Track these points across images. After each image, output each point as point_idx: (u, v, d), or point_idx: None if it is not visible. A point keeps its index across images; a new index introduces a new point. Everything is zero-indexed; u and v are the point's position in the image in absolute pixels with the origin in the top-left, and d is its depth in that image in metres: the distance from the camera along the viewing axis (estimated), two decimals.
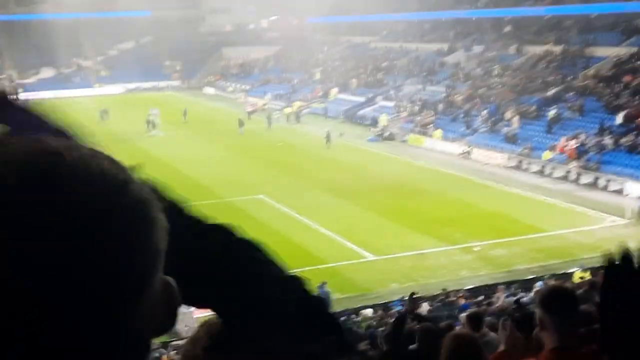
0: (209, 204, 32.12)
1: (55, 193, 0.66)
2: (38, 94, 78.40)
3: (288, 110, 61.02)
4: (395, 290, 21.88)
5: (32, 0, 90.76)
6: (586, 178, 35.83)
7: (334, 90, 65.03)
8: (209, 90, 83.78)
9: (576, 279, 20.28)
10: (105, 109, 58.47)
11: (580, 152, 37.58)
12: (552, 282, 18.78)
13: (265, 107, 63.76)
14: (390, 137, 49.77)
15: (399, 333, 8.49)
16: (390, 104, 56.64)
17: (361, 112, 57.86)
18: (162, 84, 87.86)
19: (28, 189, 0.65)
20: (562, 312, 3.26)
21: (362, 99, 60.66)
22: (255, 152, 44.62)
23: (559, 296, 3.40)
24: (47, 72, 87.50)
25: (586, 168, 36.36)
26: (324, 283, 20.59)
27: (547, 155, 38.87)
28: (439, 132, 47.10)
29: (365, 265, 24.98)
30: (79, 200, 0.66)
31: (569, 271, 22.21)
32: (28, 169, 0.66)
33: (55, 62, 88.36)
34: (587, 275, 20.32)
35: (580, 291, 10.25)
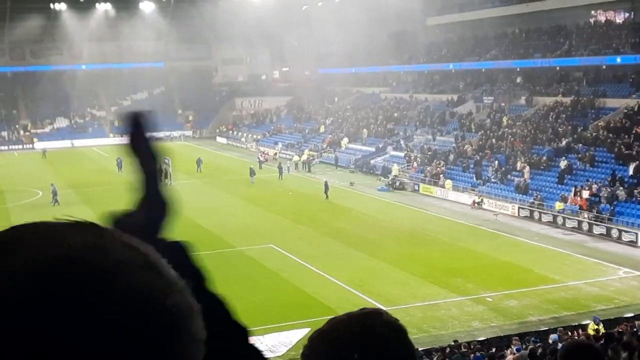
0: (220, 252, 32.08)
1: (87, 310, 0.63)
2: (53, 143, 79.37)
3: (297, 158, 61.36)
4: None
5: (47, 51, 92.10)
6: (599, 229, 35.60)
7: (345, 140, 65.28)
8: (221, 139, 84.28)
9: (590, 331, 20.00)
10: (120, 158, 58.84)
11: (592, 203, 37.41)
12: (575, 337, 18.53)
13: (277, 156, 64.03)
14: (401, 187, 49.75)
15: None
16: (401, 153, 56.75)
17: (372, 161, 57.95)
18: (175, 133, 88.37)
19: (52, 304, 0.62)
20: None
21: (372, 149, 60.83)
22: (266, 201, 44.63)
23: (584, 352, 3.32)
24: (61, 122, 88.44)
25: (599, 219, 36.14)
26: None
27: (559, 205, 38.69)
28: (449, 182, 47.03)
29: None
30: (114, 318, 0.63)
31: (583, 323, 21.90)
32: (49, 280, 0.63)
33: (69, 112, 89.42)
34: (602, 328, 20.03)
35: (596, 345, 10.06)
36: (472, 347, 20.14)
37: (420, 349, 20.47)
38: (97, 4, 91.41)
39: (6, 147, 79.76)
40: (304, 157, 61.48)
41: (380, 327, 1.50)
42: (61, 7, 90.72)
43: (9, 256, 0.64)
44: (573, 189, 39.42)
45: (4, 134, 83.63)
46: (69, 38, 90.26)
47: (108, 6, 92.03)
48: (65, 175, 55.21)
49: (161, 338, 0.65)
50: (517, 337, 20.94)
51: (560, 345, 17.14)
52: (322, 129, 72.18)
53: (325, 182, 46.74)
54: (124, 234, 0.72)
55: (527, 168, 44.15)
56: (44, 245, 0.65)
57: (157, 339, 0.65)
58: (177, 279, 0.71)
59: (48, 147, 76.46)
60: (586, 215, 36.79)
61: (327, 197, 45.24)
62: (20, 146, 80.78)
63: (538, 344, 18.42)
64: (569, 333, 19.96)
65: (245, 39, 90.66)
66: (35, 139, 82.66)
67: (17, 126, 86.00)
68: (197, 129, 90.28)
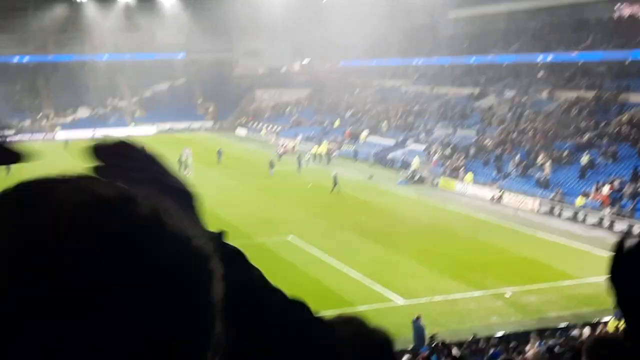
0: (239, 244, 32.07)
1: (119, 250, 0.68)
2: (74, 132, 79.93)
3: (316, 149, 61.33)
4: (425, 334, 21.55)
5: (69, 41, 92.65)
6: (620, 225, 35.32)
7: (365, 133, 65.17)
8: (241, 131, 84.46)
9: (611, 328, 19.83)
10: None
11: (614, 199, 37.11)
12: (596, 332, 18.40)
13: (296, 149, 64.04)
14: (420, 181, 49.61)
15: None
16: (421, 147, 56.55)
17: (391, 155, 57.82)
18: (195, 124, 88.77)
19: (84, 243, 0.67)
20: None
21: (392, 142, 60.68)
22: (285, 193, 44.66)
23: (607, 347, 3.26)
24: (83, 112, 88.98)
25: (620, 215, 35.86)
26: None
27: (580, 201, 38.42)
28: (469, 176, 46.85)
29: (394, 309, 24.67)
30: (143, 257, 0.69)
31: (603, 320, 21.73)
32: (83, 222, 0.69)
33: (91, 102, 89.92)
34: (622, 324, 19.88)
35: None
36: (490, 342, 20.09)
37: (443, 342, 20.45)
38: None
39: (29, 136, 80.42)
40: (322, 149, 61.42)
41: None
42: None
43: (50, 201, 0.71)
44: (595, 184, 39.14)
45: (27, 123, 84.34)
46: (91, 28, 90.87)
47: None
48: (86, 167, 55.59)
49: (191, 270, 0.72)
50: (536, 333, 20.87)
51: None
52: (336, 124, 71.93)
53: (335, 176, 45.64)
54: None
55: (548, 163, 43.89)
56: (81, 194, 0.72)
57: (189, 272, 0.72)
58: (194, 228, 0.76)
59: (69, 136, 77.03)
60: (607, 211, 36.51)
61: (332, 191, 44.56)
62: (42, 135, 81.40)
63: (557, 342, 18.34)
64: (588, 329, 19.84)
65: (266, 31, 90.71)
66: (57, 128, 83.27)
67: (39, 116, 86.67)
68: (217, 120, 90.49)
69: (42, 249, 0.66)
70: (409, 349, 20.60)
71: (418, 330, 21.52)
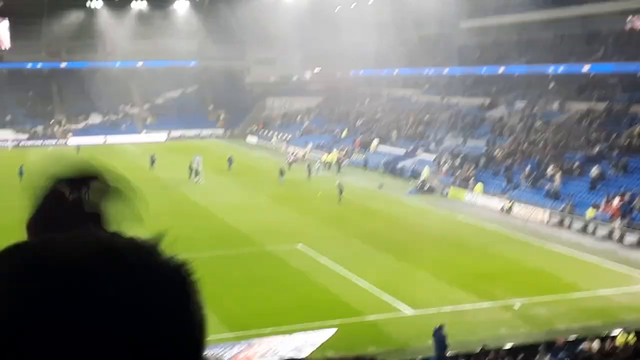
0: (248, 252, 32.17)
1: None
2: (86, 138, 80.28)
3: (326, 157, 61.42)
4: (432, 346, 21.43)
5: (82, 48, 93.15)
6: (631, 237, 35.12)
7: (375, 142, 65.14)
8: (252, 139, 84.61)
9: (620, 341, 19.70)
10: (153, 155, 59.56)
11: (625, 211, 36.92)
12: (607, 346, 18.28)
13: (306, 157, 64.08)
14: (430, 190, 49.49)
15: None
16: (431, 157, 56.47)
17: (401, 164, 57.77)
18: (206, 132, 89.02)
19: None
20: None
21: (402, 152, 60.64)
22: (295, 201, 44.64)
23: None
24: (95, 118, 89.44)
25: (631, 227, 35.66)
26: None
27: (591, 213, 38.22)
28: (479, 186, 46.73)
29: (402, 319, 24.60)
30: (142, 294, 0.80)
31: (613, 334, 21.57)
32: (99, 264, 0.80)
33: (103, 109, 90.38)
34: (632, 338, 19.72)
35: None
36: (499, 353, 19.96)
37: (447, 354, 20.35)
38: (132, 3, 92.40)
39: (40, 142, 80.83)
40: (332, 157, 61.45)
41: None
42: (97, 4, 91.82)
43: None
44: (605, 196, 38.95)
45: (39, 128, 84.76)
46: (104, 36, 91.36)
47: (143, 4, 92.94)
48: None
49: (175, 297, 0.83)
50: (545, 346, 20.73)
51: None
52: (347, 133, 71.87)
53: (339, 184, 45.86)
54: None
55: (559, 174, 43.72)
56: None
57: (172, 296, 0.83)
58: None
59: (81, 142, 77.31)
60: (618, 224, 36.32)
61: (339, 200, 44.58)
62: (54, 141, 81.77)
63: (566, 354, 18.20)
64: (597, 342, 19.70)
65: (278, 40, 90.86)
66: (69, 134, 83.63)
67: (51, 122, 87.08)
68: (228, 128, 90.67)
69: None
70: (490, 350, 20.42)
71: (439, 339, 21.33)
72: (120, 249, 0.84)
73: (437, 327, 21.55)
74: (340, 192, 45.14)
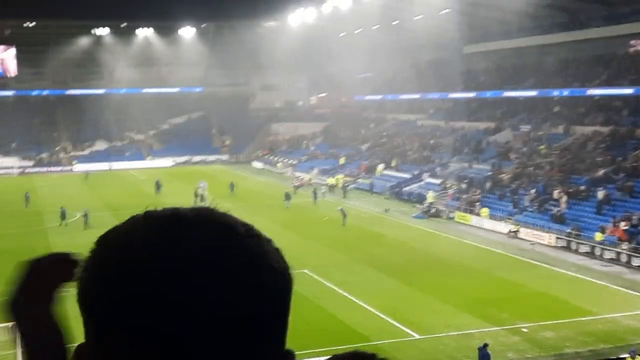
0: None
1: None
2: (91, 165, 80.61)
3: (331, 180, 61.61)
4: None
5: (88, 76, 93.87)
6: (638, 261, 35.01)
7: (381, 166, 65.28)
8: (257, 164, 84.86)
9: None
10: (159, 181, 59.81)
11: (632, 234, 36.86)
12: None
13: (312, 181, 64.20)
14: (436, 214, 49.50)
15: None
16: (437, 181, 56.55)
17: (407, 188, 57.83)
18: (211, 157, 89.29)
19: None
20: None
21: (408, 176, 60.71)
22: (301, 226, 44.64)
23: None
24: (100, 145, 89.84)
25: (638, 250, 35.56)
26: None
27: (598, 236, 38.13)
28: (485, 210, 46.72)
29: (409, 344, 24.54)
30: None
31: (621, 357, 21.49)
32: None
33: (108, 136, 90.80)
34: None
35: None
36: None
37: None
38: (137, 30, 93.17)
39: (45, 169, 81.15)
40: (338, 181, 61.56)
41: None
42: (102, 32, 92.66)
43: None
44: (612, 219, 38.90)
45: (45, 155, 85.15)
46: (110, 62, 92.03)
47: (149, 31, 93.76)
48: (104, 198, 55.95)
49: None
50: None
51: None
52: (341, 161, 71.94)
53: (342, 210, 46.44)
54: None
55: (565, 198, 43.70)
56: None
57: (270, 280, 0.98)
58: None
59: (86, 169, 77.66)
60: (625, 247, 36.24)
61: (343, 224, 44.92)
62: (60, 168, 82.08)
63: None
64: None
65: (283, 66, 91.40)
66: (74, 162, 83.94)
67: (57, 148, 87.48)
68: (233, 153, 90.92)
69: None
70: None
71: (484, 357, 21.39)
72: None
73: (482, 345, 21.67)
74: (344, 216, 45.30)
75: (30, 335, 1.00)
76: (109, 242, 0.89)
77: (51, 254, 1.05)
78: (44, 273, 1.02)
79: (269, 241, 1.01)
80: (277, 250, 1.02)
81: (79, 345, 0.89)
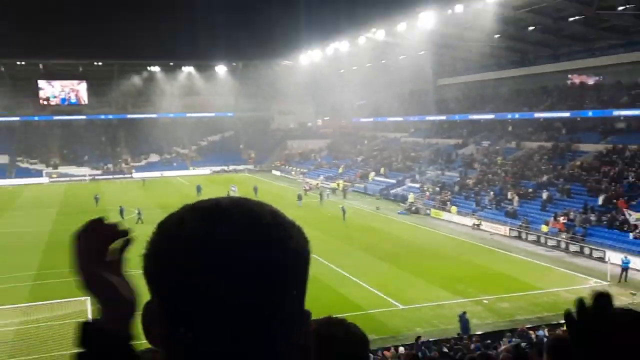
0: None
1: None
2: (146, 173, 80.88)
3: (334, 185, 61.80)
4: (419, 333, 21.45)
5: (143, 103, 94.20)
6: (574, 247, 35.06)
7: (372, 174, 65.32)
8: (276, 172, 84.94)
9: (566, 328, 19.59)
10: (199, 185, 59.99)
11: (569, 226, 36.88)
12: (557, 332, 18.22)
13: (319, 186, 64.29)
14: (416, 211, 49.55)
15: None
16: (416, 185, 56.57)
17: (393, 190, 57.86)
18: (240, 167, 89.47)
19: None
20: (565, 357, 3.16)
21: (394, 181, 60.75)
22: (310, 220, 44.71)
23: (565, 344, 3.30)
24: (153, 157, 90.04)
25: (574, 239, 35.60)
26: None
27: (543, 228, 38.19)
28: (454, 208, 46.75)
29: (395, 312, 24.63)
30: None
31: (561, 322, 21.52)
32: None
33: (160, 150, 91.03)
34: None
35: None
36: (472, 339, 19.96)
37: (430, 340, 20.33)
38: (182, 67, 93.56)
39: (110, 177, 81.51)
40: (339, 186, 61.65)
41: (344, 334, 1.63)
42: (155, 69, 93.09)
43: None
44: (553, 214, 38.93)
45: (110, 165, 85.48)
46: (160, 93, 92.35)
47: (191, 69, 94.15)
48: (156, 199, 56.18)
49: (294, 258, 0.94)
50: (509, 333, 20.72)
51: (545, 340, 16.94)
52: (341, 170, 71.91)
53: (342, 207, 46.62)
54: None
55: (516, 198, 43.72)
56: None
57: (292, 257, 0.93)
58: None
59: (143, 176, 77.94)
60: (564, 236, 36.26)
61: (344, 219, 44.95)
62: (122, 176, 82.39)
63: (524, 340, 18.17)
64: (547, 330, 19.64)
65: (296, 96, 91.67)
66: (133, 170, 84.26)
67: (119, 160, 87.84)
68: (257, 163, 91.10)
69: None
70: (464, 337, 20.53)
71: (464, 322, 21.59)
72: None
73: (461, 313, 21.95)
74: (344, 213, 45.40)
75: (99, 292, 0.98)
76: (164, 225, 0.91)
77: (90, 220, 1.05)
78: (90, 237, 1.02)
79: (292, 224, 0.97)
80: (299, 230, 0.98)
81: (145, 302, 0.91)
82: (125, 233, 1.03)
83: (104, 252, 1.00)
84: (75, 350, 0.96)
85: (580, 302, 1.33)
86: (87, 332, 0.96)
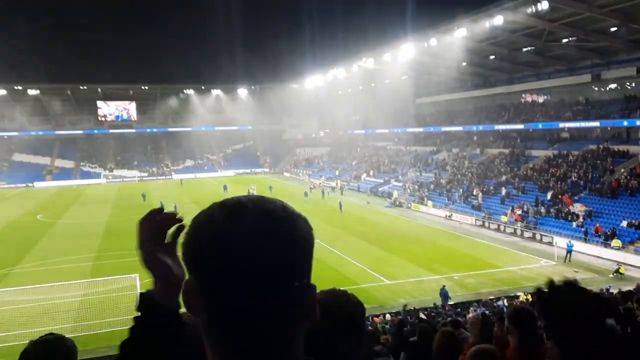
0: None
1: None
2: (184, 175, 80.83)
3: (333, 184, 61.74)
4: (402, 303, 21.36)
5: (181, 118, 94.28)
6: (527, 234, 34.90)
7: (364, 175, 65.19)
8: (287, 174, 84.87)
9: (522, 299, 19.56)
10: (226, 184, 59.98)
11: (524, 217, 36.73)
12: (514, 303, 18.13)
13: (321, 184, 64.20)
14: (399, 205, 49.42)
15: (400, 331, 8.25)
16: (400, 184, 56.42)
17: (381, 188, 57.72)
18: (258, 170, 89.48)
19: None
20: (524, 324, 3.13)
21: (381, 181, 60.61)
22: (315, 212, 44.67)
23: (525, 313, 3.26)
24: (189, 162, 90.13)
25: (527, 227, 35.44)
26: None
27: (503, 218, 38.05)
28: (430, 203, 46.61)
29: (382, 286, 24.54)
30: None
31: (517, 294, 21.42)
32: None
33: (194, 156, 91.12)
34: (529, 297, 19.56)
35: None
36: (445, 308, 19.84)
37: (414, 308, 20.23)
38: (212, 90, 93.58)
39: (155, 178, 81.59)
40: (337, 184, 61.56)
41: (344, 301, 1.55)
42: (190, 91, 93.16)
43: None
44: (511, 207, 38.78)
45: (154, 169, 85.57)
46: (194, 110, 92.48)
47: (219, 92, 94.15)
48: (191, 195, 56.21)
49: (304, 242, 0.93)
50: (475, 303, 20.60)
51: (505, 309, 16.82)
52: (338, 172, 71.75)
53: (340, 202, 46.57)
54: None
55: (481, 194, 43.56)
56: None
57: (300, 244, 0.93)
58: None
59: (181, 177, 77.91)
60: (519, 225, 36.12)
61: (341, 211, 44.77)
62: (164, 177, 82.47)
63: (488, 309, 18.04)
64: (507, 301, 19.51)
65: (303, 112, 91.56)
66: (173, 173, 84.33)
67: (162, 164, 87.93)
68: (271, 167, 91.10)
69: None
70: (438, 306, 20.37)
71: (444, 293, 21.38)
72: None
73: (442, 286, 21.78)
74: (340, 206, 45.29)
75: (155, 268, 0.98)
76: (197, 219, 0.90)
77: (152, 209, 1.04)
78: (150, 223, 1.01)
79: (299, 215, 0.95)
80: (305, 220, 0.96)
81: (185, 280, 0.89)
82: (179, 220, 1.02)
83: (162, 236, 1.00)
84: (133, 315, 1.00)
85: (550, 282, 1.41)
86: (143, 300, 0.99)
